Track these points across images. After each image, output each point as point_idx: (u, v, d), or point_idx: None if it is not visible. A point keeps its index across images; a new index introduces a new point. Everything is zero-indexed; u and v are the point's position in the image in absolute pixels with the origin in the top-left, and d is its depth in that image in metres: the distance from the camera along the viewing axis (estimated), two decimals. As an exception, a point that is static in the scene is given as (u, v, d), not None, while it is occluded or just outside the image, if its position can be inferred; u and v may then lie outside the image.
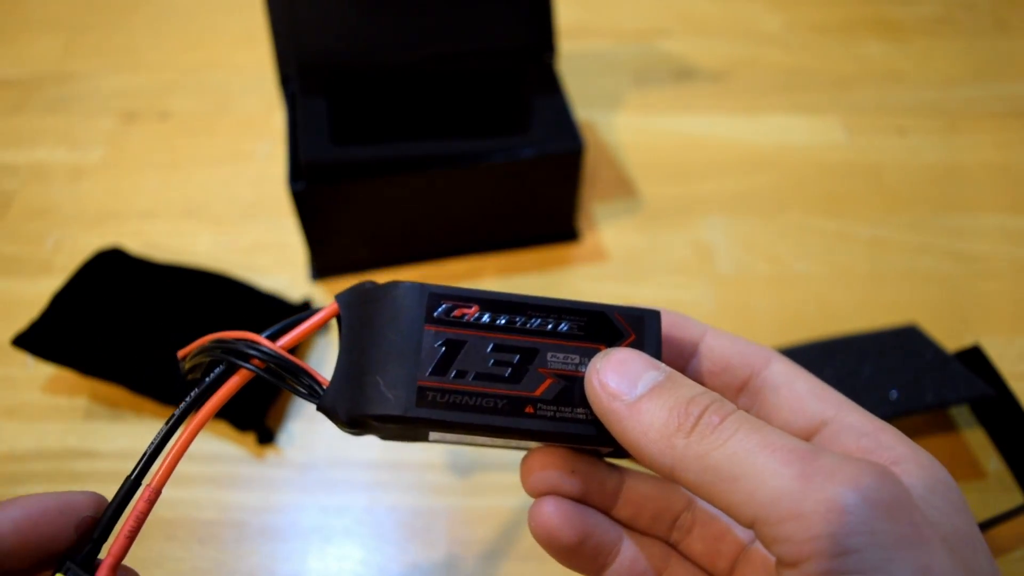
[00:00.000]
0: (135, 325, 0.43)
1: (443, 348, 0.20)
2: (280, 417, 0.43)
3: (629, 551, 0.23)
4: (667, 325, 0.23)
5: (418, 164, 0.44)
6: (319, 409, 0.21)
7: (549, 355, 0.21)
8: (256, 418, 0.41)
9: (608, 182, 0.56)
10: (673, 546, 0.24)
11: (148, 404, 0.43)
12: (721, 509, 0.18)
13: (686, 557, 0.24)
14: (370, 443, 0.42)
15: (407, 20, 0.46)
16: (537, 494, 0.22)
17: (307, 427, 0.43)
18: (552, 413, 0.21)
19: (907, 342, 0.42)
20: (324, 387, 0.21)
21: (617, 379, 0.20)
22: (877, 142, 0.59)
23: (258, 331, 0.21)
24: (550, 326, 0.21)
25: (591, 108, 0.61)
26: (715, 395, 0.19)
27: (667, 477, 0.19)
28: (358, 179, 0.44)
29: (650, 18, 0.69)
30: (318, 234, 0.47)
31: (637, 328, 0.22)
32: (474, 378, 0.20)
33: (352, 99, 0.47)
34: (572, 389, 0.21)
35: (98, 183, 0.55)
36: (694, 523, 0.23)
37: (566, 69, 0.59)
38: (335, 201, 0.45)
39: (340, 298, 0.22)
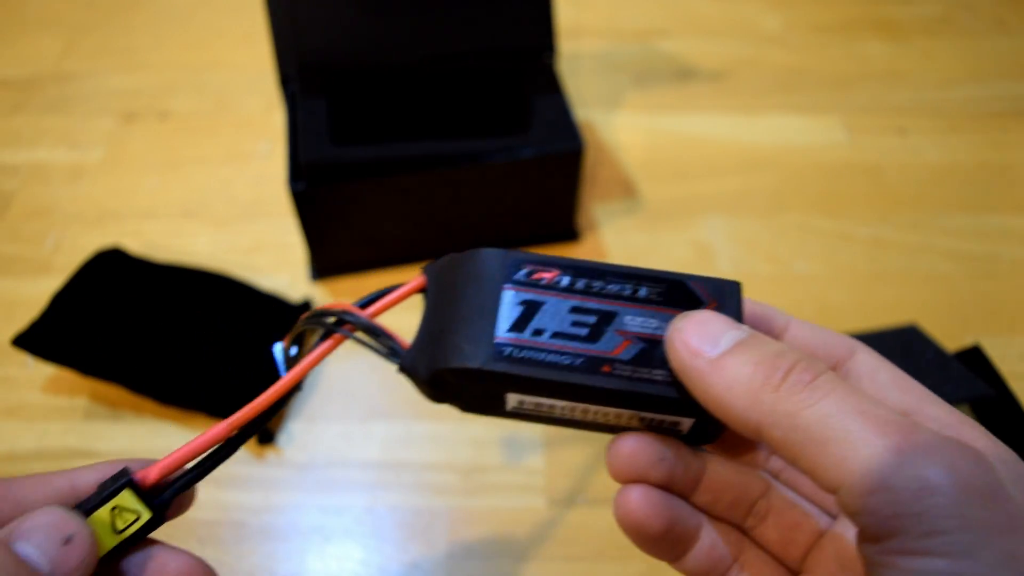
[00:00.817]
0: (135, 325, 0.43)
1: (522, 307, 0.21)
2: (280, 417, 0.43)
3: (708, 537, 0.23)
4: (751, 315, 0.23)
5: (418, 164, 0.44)
6: (400, 369, 0.22)
7: (627, 318, 0.21)
8: (256, 418, 0.41)
9: (608, 182, 0.56)
10: (746, 532, 0.23)
11: (148, 404, 0.43)
12: (805, 471, 0.17)
13: (759, 544, 0.23)
14: (370, 443, 0.42)
15: (407, 20, 0.46)
16: (624, 480, 0.22)
17: (307, 427, 0.43)
18: (630, 373, 0.20)
19: (907, 342, 0.42)
20: (405, 349, 0.22)
21: (699, 337, 0.19)
22: (877, 142, 0.59)
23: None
24: (628, 291, 0.21)
25: (591, 108, 0.61)
26: (803, 353, 0.18)
27: (752, 436, 0.18)
28: (358, 179, 0.44)
29: (650, 18, 0.69)
30: (318, 234, 0.47)
31: (718, 296, 0.22)
32: (551, 336, 0.21)
33: (352, 99, 0.47)
34: (651, 351, 0.21)
35: (98, 183, 0.55)
36: (770, 510, 0.23)
37: (566, 69, 0.59)
38: (335, 201, 0.45)
39: (427, 269, 0.23)
